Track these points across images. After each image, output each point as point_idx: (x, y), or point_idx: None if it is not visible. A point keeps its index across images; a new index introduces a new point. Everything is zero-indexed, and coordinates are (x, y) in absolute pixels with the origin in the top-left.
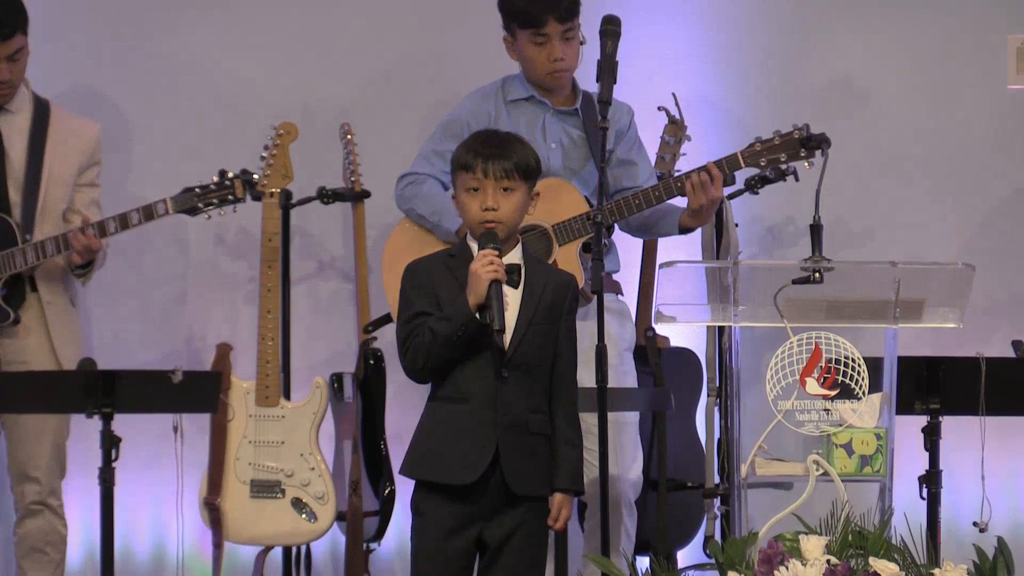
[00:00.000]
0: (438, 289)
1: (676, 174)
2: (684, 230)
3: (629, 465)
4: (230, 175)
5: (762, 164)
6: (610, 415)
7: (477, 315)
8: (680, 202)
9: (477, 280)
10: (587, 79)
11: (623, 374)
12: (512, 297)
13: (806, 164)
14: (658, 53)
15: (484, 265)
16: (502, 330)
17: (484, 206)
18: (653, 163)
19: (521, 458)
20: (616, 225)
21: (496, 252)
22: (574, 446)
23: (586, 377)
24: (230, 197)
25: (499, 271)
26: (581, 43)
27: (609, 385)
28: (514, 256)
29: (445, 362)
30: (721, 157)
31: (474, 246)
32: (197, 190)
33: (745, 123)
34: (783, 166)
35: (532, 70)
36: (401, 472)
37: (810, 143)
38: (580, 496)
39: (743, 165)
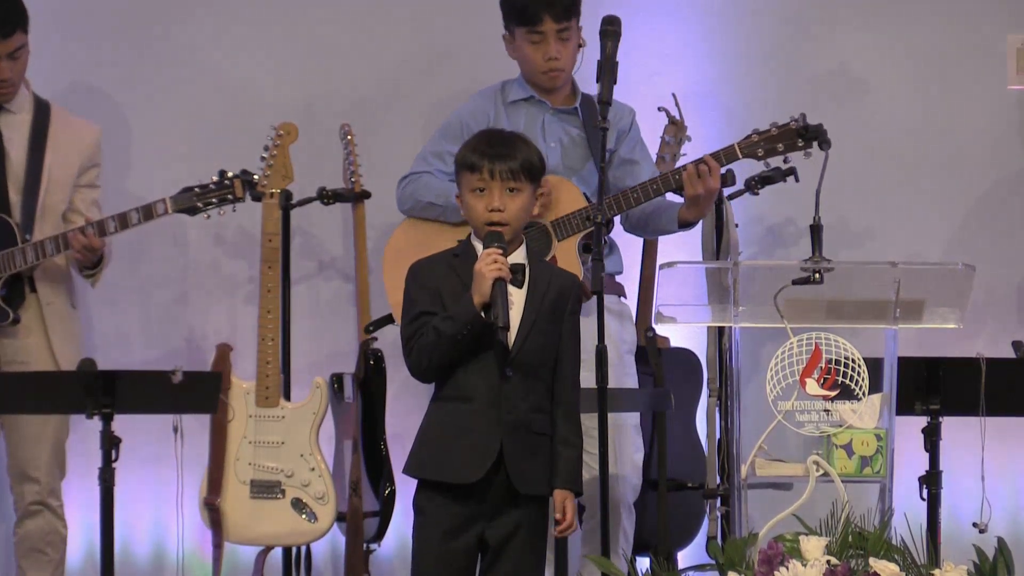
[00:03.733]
0: (442, 289)
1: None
2: (683, 224)
3: (628, 467)
4: (230, 174)
5: (759, 155)
6: (610, 416)
7: (482, 314)
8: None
9: (481, 279)
10: (586, 82)
11: (624, 376)
12: (516, 297)
13: (804, 155)
14: (658, 52)
15: (488, 264)
16: (506, 327)
17: (490, 207)
18: (653, 163)
19: (525, 457)
20: (620, 223)
21: (500, 251)
22: (573, 446)
23: (588, 377)
24: (229, 196)
25: (503, 270)
26: (581, 45)
27: (609, 386)
28: (518, 256)
29: (450, 361)
30: (718, 149)
31: (478, 246)
32: (196, 190)
33: (747, 125)
34: (781, 158)
35: (529, 69)
36: (405, 472)
37: (807, 133)
38: (579, 496)
39: (740, 156)
